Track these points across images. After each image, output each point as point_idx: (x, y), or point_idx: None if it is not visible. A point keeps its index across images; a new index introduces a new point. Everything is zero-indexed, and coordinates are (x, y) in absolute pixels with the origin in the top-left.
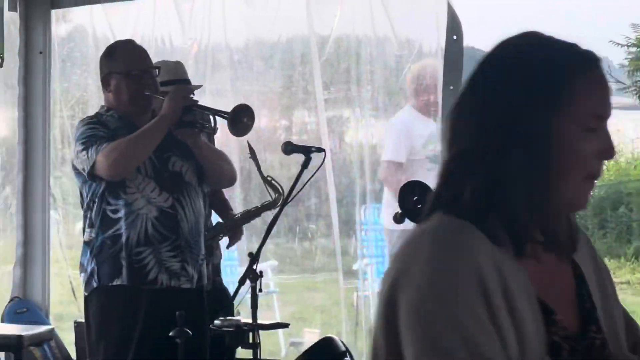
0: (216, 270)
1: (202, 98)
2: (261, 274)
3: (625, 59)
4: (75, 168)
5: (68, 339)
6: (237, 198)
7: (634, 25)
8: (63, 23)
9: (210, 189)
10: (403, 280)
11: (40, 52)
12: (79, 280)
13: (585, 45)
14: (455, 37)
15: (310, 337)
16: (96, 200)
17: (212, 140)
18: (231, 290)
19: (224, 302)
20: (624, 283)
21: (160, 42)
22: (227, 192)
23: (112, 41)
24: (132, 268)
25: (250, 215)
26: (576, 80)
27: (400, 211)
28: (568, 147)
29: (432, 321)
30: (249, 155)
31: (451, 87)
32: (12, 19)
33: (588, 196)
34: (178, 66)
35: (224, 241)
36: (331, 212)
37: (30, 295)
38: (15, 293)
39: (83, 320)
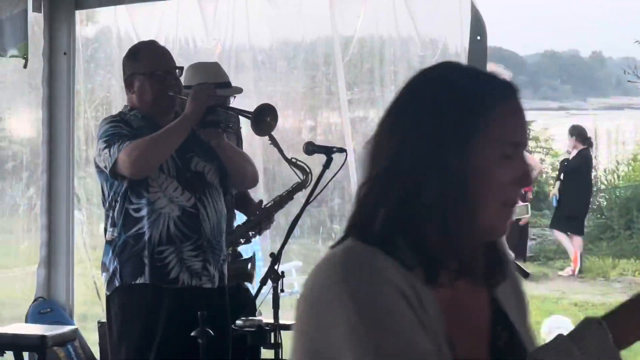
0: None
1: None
2: (283, 274)
3: None
4: (97, 166)
5: (92, 339)
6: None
7: None
8: (87, 24)
9: (237, 191)
10: (322, 308)
11: (65, 53)
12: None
13: (610, 45)
14: (479, 37)
15: None
16: (118, 199)
17: (240, 144)
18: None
19: (247, 302)
20: None
21: (184, 42)
22: (251, 193)
23: (136, 42)
24: (154, 267)
25: (283, 200)
26: (491, 109)
27: None
28: (483, 175)
29: (369, 337)
30: (270, 142)
31: None
32: (36, 20)
33: (507, 223)
34: (218, 68)
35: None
36: None
37: (54, 295)
38: (39, 293)
39: (106, 321)
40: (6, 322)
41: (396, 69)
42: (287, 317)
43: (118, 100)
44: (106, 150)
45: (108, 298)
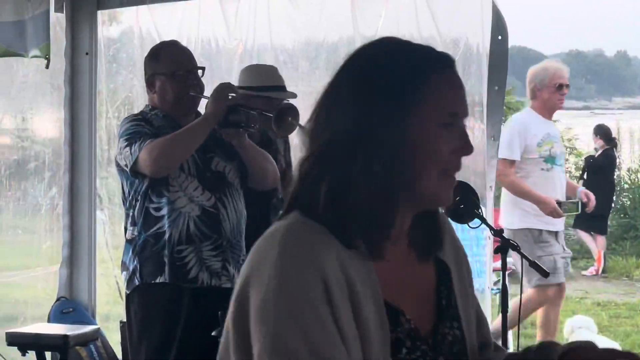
0: None
1: None
2: None
3: None
4: (118, 164)
5: (114, 339)
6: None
7: None
8: (109, 24)
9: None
10: (254, 279)
11: (87, 53)
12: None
13: (635, 45)
14: (500, 37)
15: None
16: (139, 197)
17: (288, 149)
18: None
19: None
20: None
21: (206, 42)
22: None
23: (157, 42)
24: (174, 266)
25: None
26: (427, 80)
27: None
28: (421, 145)
29: (277, 322)
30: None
31: (496, 88)
32: (58, 20)
33: (450, 192)
34: (273, 71)
35: None
36: None
37: (76, 295)
38: (61, 293)
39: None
40: (28, 321)
41: None
42: None
43: (140, 100)
44: (127, 149)
45: (128, 297)
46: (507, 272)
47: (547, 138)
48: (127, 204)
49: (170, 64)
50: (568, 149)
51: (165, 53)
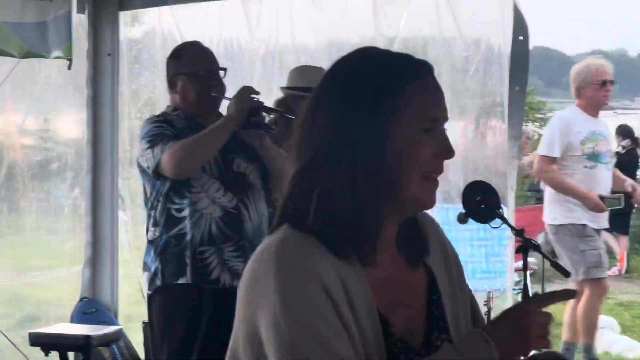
0: None
1: (270, 99)
2: None
3: None
4: (140, 166)
5: (136, 340)
6: None
7: None
8: (131, 25)
9: None
10: (256, 295)
11: (109, 54)
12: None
13: None
14: (521, 37)
15: None
16: (160, 199)
17: None
18: None
19: None
20: None
21: (229, 43)
22: None
23: (180, 43)
24: (196, 267)
25: None
26: (403, 88)
27: (464, 211)
28: (403, 151)
29: (288, 332)
30: None
31: (517, 88)
32: (80, 21)
33: (433, 195)
34: (321, 73)
35: None
36: None
37: (99, 295)
38: (84, 293)
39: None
40: (51, 322)
41: (439, 70)
42: None
43: (162, 101)
44: (149, 151)
45: (149, 297)
46: (528, 272)
47: (591, 136)
48: (149, 205)
49: (192, 64)
50: None
51: (187, 53)
